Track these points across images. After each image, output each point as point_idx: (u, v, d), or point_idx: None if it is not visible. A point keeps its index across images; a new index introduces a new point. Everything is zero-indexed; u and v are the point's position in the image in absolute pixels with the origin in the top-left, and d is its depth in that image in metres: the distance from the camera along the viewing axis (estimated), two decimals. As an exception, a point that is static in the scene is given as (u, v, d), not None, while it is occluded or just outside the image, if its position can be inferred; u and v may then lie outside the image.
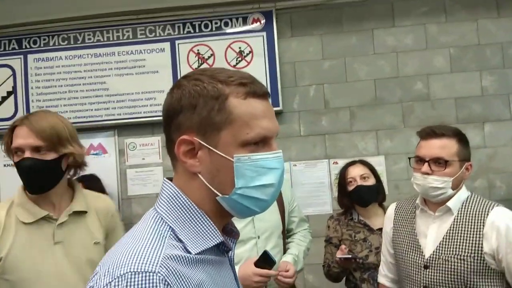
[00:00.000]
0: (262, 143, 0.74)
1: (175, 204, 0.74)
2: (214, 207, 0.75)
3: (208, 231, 0.73)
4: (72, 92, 3.29)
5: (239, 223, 1.85)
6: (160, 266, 0.63)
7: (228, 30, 3.19)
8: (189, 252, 0.69)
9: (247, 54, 3.17)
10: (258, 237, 1.89)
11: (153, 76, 3.21)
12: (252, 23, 3.17)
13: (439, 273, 1.47)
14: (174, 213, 0.73)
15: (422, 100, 3.13)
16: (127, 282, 0.61)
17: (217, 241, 0.73)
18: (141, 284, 0.61)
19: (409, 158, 1.63)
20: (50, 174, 1.40)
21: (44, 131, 1.36)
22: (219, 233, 0.74)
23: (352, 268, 2.05)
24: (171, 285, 0.62)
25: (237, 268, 1.77)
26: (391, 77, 3.17)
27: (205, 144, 0.72)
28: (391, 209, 1.74)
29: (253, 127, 0.72)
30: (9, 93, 3.32)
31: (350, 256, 1.96)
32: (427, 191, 1.51)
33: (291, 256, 1.94)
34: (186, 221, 0.72)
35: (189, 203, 0.73)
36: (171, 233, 0.71)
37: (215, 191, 0.73)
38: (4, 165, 3.37)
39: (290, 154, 3.21)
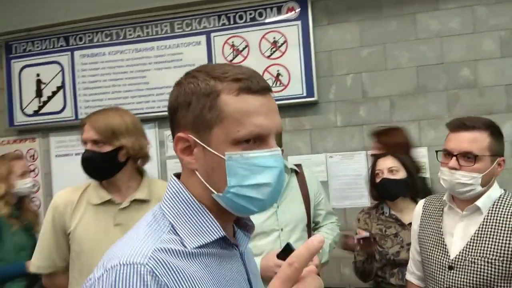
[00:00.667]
0: (257, 140, 0.72)
1: (177, 199, 0.75)
2: (214, 203, 0.75)
3: (208, 226, 0.73)
4: (115, 87, 3.44)
5: (262, 215, 1.86)
6: (149, 258, 0.65)
7: (263, 21, 3.16)
8: (186, 247, 0.70)
9: (282, 44, 3.12)
10: (282, 230, 1.89)
11: (190, 70, 3.26)
12: (287, 12, 3.12)
13: (464, 275, 1.37)
14: (176, 208, 0.74)
15: (469, 88, 2.92)
16: (115, 273, 0.63)
17: (217, 237, 0.73)
18: (128, 275, 0.63)
19: (437, 152, 1.53)
20: (105, 164, 1.55)
21: (100, 127, 1.53)
22: (220, 228, 0.74)
23: (375, 253, 1.95)
24: (159, 277, 0.64)
25: (258, 259, 1.80)
26: (435, 64, 2.98)
27: (199, 142, 0.72)
28: (420, 205, 1.65)
29: (245, 125, 0.70)
30: (58, 88, 3.54)
31: (367, 234, 1.88)
32: (454, 187, 1.42)
33: None
34: (186, 217, 0.73)
35: (191, 198, 0.74)
36: (171, 228, 0.72)
37: (211, 188, 0.73)
38: (56, 156, 3.61)
39: (326, 146, 3.14)
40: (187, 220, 0.73)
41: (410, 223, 1.91)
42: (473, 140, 1.39)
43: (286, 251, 1.95)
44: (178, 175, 0.79)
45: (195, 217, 0.73)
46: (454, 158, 1.41)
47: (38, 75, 3.57)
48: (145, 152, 1.62)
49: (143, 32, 3.39)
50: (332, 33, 3.14)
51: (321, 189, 2.10)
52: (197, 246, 0.71)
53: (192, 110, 0.72)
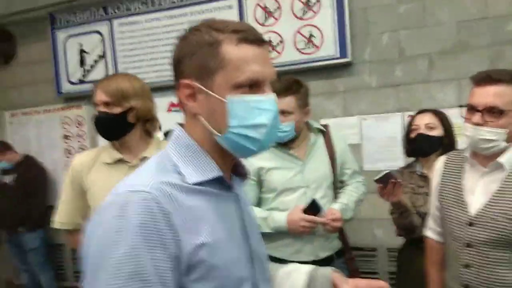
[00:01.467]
0: (255, 87, 0.80)
1: (179, 143, 0.84)
2: (215, 146, 0.83)
3: (206, 166, 0.82)
4: (152, 54, 3.53)
5: (288, 172, 1.92)
6: (154, 188, 0.74)
7: (294, -20, 3.08)
8: (186, 183, 0.78)
9: (314, 4, 3.04)
10: (307, 187, 1.92)
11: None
12: (320, -30, 3.02)
13: (484, 231, 1.35)
14: (178, 151, 0.83)
15: (515, 43, 2.72)
16: (123, 198, 0.73)
17: (214, 175, 0.81)
18: (136, 200, 0.72)
19: (461, 106, 1.48)
20: (116, 125, 1.65)
21: (110, 90, 1.61)
22: (217, 168, 0.82)
23: (405, 203, 1.86)
24: (162, 204, 0.72)
25: (285, 214, 1.85)
26: (478, 18, 2.79)
27: (202, 87, 0.80)
28: (441, 161, 1.62)
29: (244, 71, 0.78)
30: (100, 57, 3.70)
31: (387, 171, 1.74)
32: (477, 143, 1.37)
33: (338, 204, 1.94)
34: (187, 158, 0.82)
35: (191, 142, 0.83)
36: (174, 167, 0.81)
37: (213, 130, 0.81)
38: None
39: (360, 108, 3.08)
40: (187, 161, 0.81)
41: None
42: (499, 94, 1.33)
43: (311, 206, 1.99)
44: (181, 125, 0.87)
45: (195, 159, 0.82)
46: (479, 113, 1.35)
47: (81, 44, 3.74)
48: (152, 114, 1.71)
49: (176, -1, 3.43)
50: (367, -11, 3.01)
51: (348, 149, 2.09)
52: (196, 182, 0.79)
53: (196, 59, 0.79)
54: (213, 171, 0.81)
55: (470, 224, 1.39)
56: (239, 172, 0.92)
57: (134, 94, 1.64)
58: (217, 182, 0.83)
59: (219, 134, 0.80)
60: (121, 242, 0.68)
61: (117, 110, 1.61)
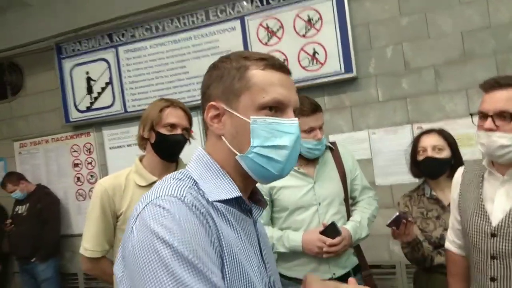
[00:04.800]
0: (279, 110, 0.82)
1: (200, 163, 0.85)
2: (236, 168, 0.83)
3: (227, 186, 0.82)
4: (158, 78, 3.57)
5: (299, 191, 1.90)
6: (187, 193, 0.75)
7: (296, -1, 3.12)
8: (208, 199, 0.78)
9: (317, 21, 3.07)
10: (319, 204, 1.90)
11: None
12: (320, -12, 3.05)
13: (508, 242, 1.31)
14: (198, 170, 0.84)
15: (521, 50, 2.71)
16: (161, 201, 0.72)
17: (234, 195, 0.81)
18: (175, 202, 0.72)
19: (471, 115, 1.45)
20: (182, 150, 1.73)
21: (189, 115, 1.74)
22: (237, 189, 0.82)
23: (416, 237, 1.84)
24: (199, 207, 0.73)
25: (299, 233, 1.82)
26: (482, 27, 2.79)
27: (228, 109, 0.82)
28: (459, 172, 1.58)
29: (269, 92, 0.81)
30: (107, 84, 3.74)
31: (396, 214, 1.75)
32: (493, 151, 1.34)
33: (352, 223, 1.91)
34: (208, 177, 0.82)
35: (212, 162, 0.84)
36: (194, 184, 0.80)
37: (234, 150, 0.82)
38: (110, 148, 3.83)
39: (368, 122, 3.06)
40: (207, 179, 0.82)
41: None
42: (509, 98, 1.31)
43: (330, 229, 1.95)
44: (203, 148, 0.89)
45: (215, 178, 0.82)
46: (490, 118, 1.33)
47: (87, 72, 3.79)
48: None
49: (180, 23, 3.48)
50: (369, 5, 3.04)
51: (356, 165, 2.07)
52: (217, 200, 0.79)
53: (223, 81, 0.83)
54: (233, 191, 0.81)
55: (493, 235, 1.35)
56: (257, 199, 0.92)
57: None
58: (237, 203, 0.82)
59: (240, 154, 0.81)
60: (173, 239, 0.68)
61: (181, 131, 1.69)
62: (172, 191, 0.74)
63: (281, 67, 0.84)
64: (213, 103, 0.83)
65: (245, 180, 0.84)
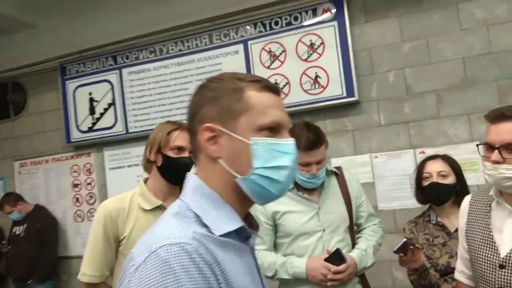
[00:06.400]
0: (276, 131, 0.82)
1: (197, 193, 0.81)
2: (233, 192, 0.81)
3: (229, 216, 0.79)
4: (160, 100, 3.59)
5: (303, 217, 1.87)
6: (192, 239, 0.71)
7: (298, 24, 3.16)
8: (213, 234, 0.75)
9: (319, 46, 3.10)
10: (324, 230, 1.87)
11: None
12: (322, 14, 3.10)
13: (517, 274, 1.28)
14: (197, 201, 0.80)
15: (522, 76, 2.73)
16: (163, 251, 0.68)
17: (238, 225, 0.79)
18: (177, 252, 0.68)
19: (477, 145, 1.45)
20: (188, 171, 1.68)
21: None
22: (240, 218, 0.80)
23: (423, 264, 1.82)
24: (203, 255, 0.69)
25: (302, 260, 1.79)
26: (483, 54, 2.82)
27: (225, 130, 0.80)
28: (466, 201, 1.56)
29: (268, 114, 0.81)
30: (109, 105, 3.75)
31: (404, 240, 1.73)
32: (499, 182, 1.33)
33: (358, 251, 1.88)
34: (209, 208, 0.79)
35: (210, 191, 0.81)
36: (196, 218, 0.78)
37: (234, 173, 0.80)
38: (110, 168, 3.82)
39: (371, 146, 3.06)
40: (210, 211, 0.79)
41: (457, 230, 1.82)
42: None
43: (334, 256, 1.92)
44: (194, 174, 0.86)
45: (217, 209, 0.80)
46: (496, 151, 1.32)
47: (90, 93, 3.81)
48: None
49: (184, 46, 3.51)
50: (371, 30, 3.08)
51: (362, 191, 2.05)
52: (222, 234, 0.76)
53: (219, 103, 0.81)
54: (236, 221, 0.79)
55: (501, 267, 1.32)
56: (249, 223, 0.88)
57: None
58: (236, 234, 0.80)
59: (240, 177, 0.80)
60: None
61: (188, 154, 1.66)
62: (175, 236, 0.71)
63: (275, 89, 0.85)
64: (208, 124, 0.81)
65: (241, 204, 0.83)
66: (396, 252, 1.74)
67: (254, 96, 0.81)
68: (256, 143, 0.79)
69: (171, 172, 1.66)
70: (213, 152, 0.81)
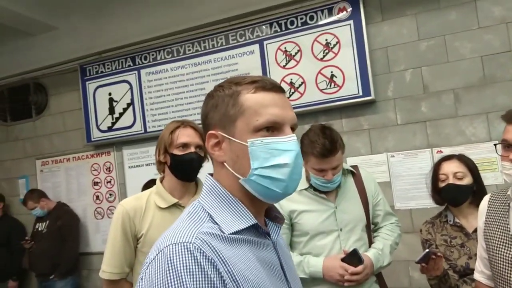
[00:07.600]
0: (275, 130, 0.84)
1: (212, 193, 0.86)
2: (244, 192, 0.85)
3: (241, 214, 0.83)
4: (178, 100, 3.64)
5: (320, 216, 1.89)
6: (195, 238, 0.75)
7: (314, 24, 3.17)
8: (224, 233, 0.79)
9: (334, 45, 3.10)
10: (341, 230, 1.88)
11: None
12: (338, 13, 3.10)
13: (534, 274, 1.28)
14: (212, 201, 0.85)
15: (543, 74, 2.69)
16: (168, 250, 0.73)
17: (249, 223, 0.83)
18: (180, 251, 0.72)
19: (495, 145, 1.45)
20: (199, 168, 1.72)
21: (201, 133, 1.66)
22: (252, 216, 0.84)
23: (444, 270, 1.80)
24: (205, 253, 0.73)
25: (319, 259, 1.81)
26: (502, 52, 2.79)
27: (225, 135, 0.84)
28: (485, 201, 1.56)
29: (262, 114, 0.82)
30: (128, 105, 3.83)
31: (426, 251, 1.73)
32: (518, 181, 1.33)
33: (374, 251, 1.88)
34: (222, 208, 0.84)
35: (223, 191, 0.85)
36: (209, 218, 0.82)
37: (238, 175, 0.84)
38: (129, 167, 3.89)
39: (387, 145, 3.06)
40: (222, 211, 0.83)
41: (475, 231, 1.81)
42: None
43: (352, 256, 1.93)
44: (212, 174, 0.91)
45: (228, 208, 0.84)
46: (514, 150, 1.32)
47: (110, 94, 3.89)
48: None
49: (200, 47, 3.56)
50: (387, 29, 3.07)
51: (379, 190, 2.05)
52: (233, 232, 0.80)
53: (219, 109, 0.86)
54: (248, 219, 0.83)
55: (518, 267, 1.32)
56: (273, 216, 0.93)
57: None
58: (253, 229, 0.84)
59: (242, 178, 0.83)
60: None
61: (202, 154, 1.70)
62: (180, 236, 0.75)
63: (273, 87, 0.85)
64: (212, 131, 0.86)
65: (254, 203, 0.86)
66: (418, 262, 1.74)
67: (248, 98, 0.83)
68: (253, 144, 0.82)
69: (180, 170, 1.70)
70: (218, 157, 0.86)
